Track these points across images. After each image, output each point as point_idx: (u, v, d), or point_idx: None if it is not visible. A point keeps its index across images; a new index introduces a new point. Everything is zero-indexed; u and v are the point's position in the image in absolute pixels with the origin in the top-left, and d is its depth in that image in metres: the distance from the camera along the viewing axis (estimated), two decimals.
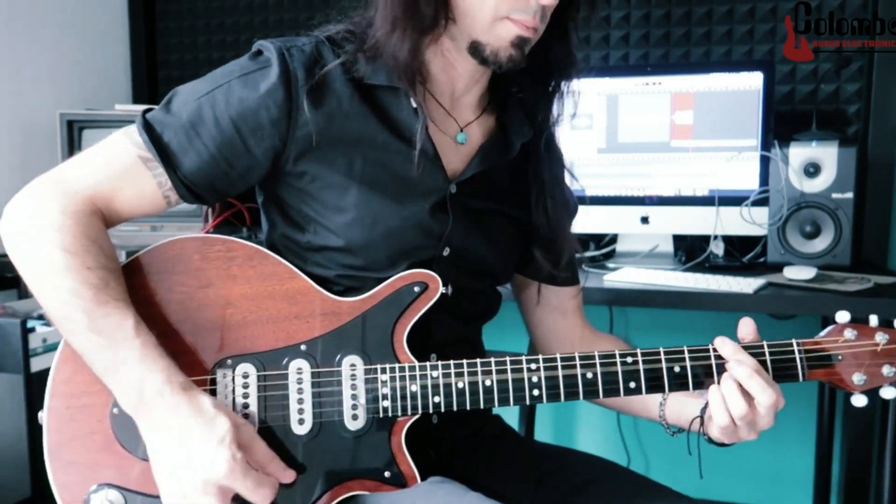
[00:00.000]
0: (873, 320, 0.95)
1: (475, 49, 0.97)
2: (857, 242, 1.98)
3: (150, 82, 2.73)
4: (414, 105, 0.99)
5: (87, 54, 2.53)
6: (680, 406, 1.02)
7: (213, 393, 0.94)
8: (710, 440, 0.98)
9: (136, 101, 2.71)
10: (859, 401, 0.93)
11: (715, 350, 0.93)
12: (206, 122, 0.95)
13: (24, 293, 2.04)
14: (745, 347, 0.92)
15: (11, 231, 0.93)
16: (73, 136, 2.14)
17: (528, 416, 2.30)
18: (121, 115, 2.17)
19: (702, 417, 0.97)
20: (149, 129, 0.95)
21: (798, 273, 1.73)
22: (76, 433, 0.94)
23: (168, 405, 0.86)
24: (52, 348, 1.72)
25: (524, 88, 1.08)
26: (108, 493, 0.92)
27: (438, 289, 0.96)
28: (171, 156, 0.95)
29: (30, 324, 1.65)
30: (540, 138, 1.10)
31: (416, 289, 0.96)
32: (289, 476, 0.91)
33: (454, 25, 0.98)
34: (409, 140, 0.98)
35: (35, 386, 1.77)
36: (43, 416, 0.95)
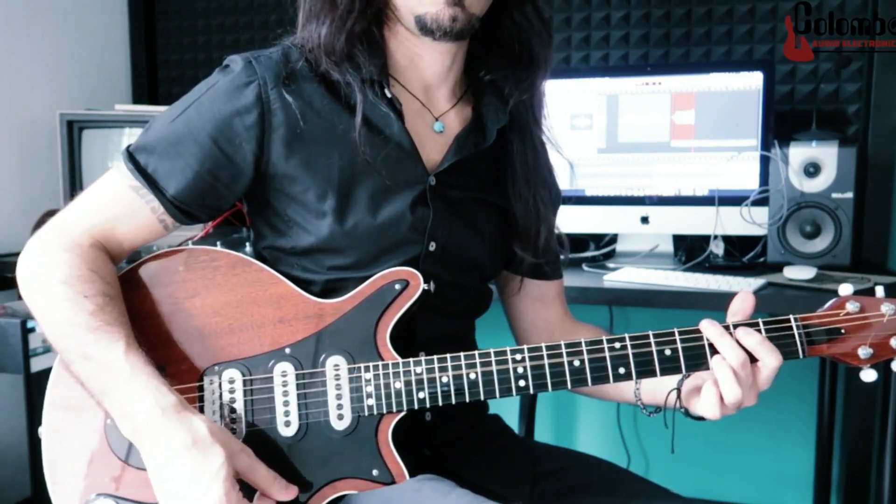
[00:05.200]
0: (879, 291, 0.91)
1: (421, 25, 0.97)
2: (857, 242, 1.98)
3: (150, 82, 2.73)
4: (389, 95, 1.00)
5: (87, 54, 2.53)
6: (655, 383, 0.99)
7: (200, 399, 0.95)
8: (688, 414, 0.96)
9: (136, 101, 2.71)
10: (868, 376, 0.89)
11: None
12: (185, 141, 0.97)
13: None
14: (741, 324, 0.90)
15: (25, 278, 0.97)
16: (73, 136, 2.14)
17: (527, 415, 2.31)
18: (121, 116, 2.18)
19: (679, 390, 0.95)
20: (133, 160, 0.98)
21: (798, 273, 1.73)
22: (72, 445, 0.96)
23: (160, 432, 0.86)
24: (52, 348, 1.72)
25: (494, 71, 1.07)
26: (104, 502, 0.93)
27: (419, 285, 0.96)
28: (157, 181, 0.98)
29: (30, 324, 1.65)
30: (513, 122, 1.09)
31: (397, 286, 0.96)
32: (291, 493, 0.91)
33: (395, 11, 1.00)
34: (384, 134, 0.99)
35: (35, 386, 1.77)
36: (42, 431, 0.97)
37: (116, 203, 0.98)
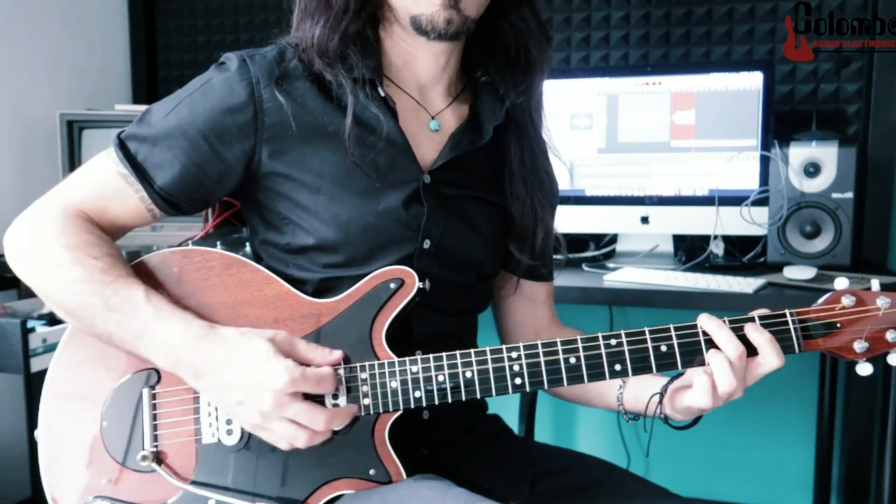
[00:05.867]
0: (875, 285, 0.91)
1: (416, 25, 0.97)
2: (857, 242, 1.98)
3: (150, 82, 2.73)
4: (382, 94, 1.00)
5: (87, 54, 2.53)
6: (638, 389, 1.00)
7: (196, 401, 0.96)
8: (667, 421, 0.97)
9: (136, 101, 2.71)
10: (864, 369, 0.89)
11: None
12: (176, 135, 0.97)
13: (24, 293, 2.04)
14: (736, 320, 0.90)
15: (14, 248, 0.98)
16: (73, 136, 2.14)
17: (527, 415, 2.31)
18: (121, 115, 2.18)
19: (661, 395, 0.96)
20: (124, 148, 0.99)
21: (798, 273, 1.73)
22: (68, 448, 0.97)
23: (202, 351, 0.89)
24: (51, 348, 1.72)
25: (490, 73, 1.07)
26: None
27: (415, 284, 0.96)
28: (146, 171, 0.98)
29: (30, 324, 1.65)
30: (511, 123, 1.09)
31: (392, 285, 0.96)
32: (336, 356, 0.91)
33: (391, 11, 1.00)
34: (375, 134, 0.99)
35: (35, 386, 1.77)
36: (38, 434, 0.98)
37: (107, 188, 0.99)
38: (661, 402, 0.97)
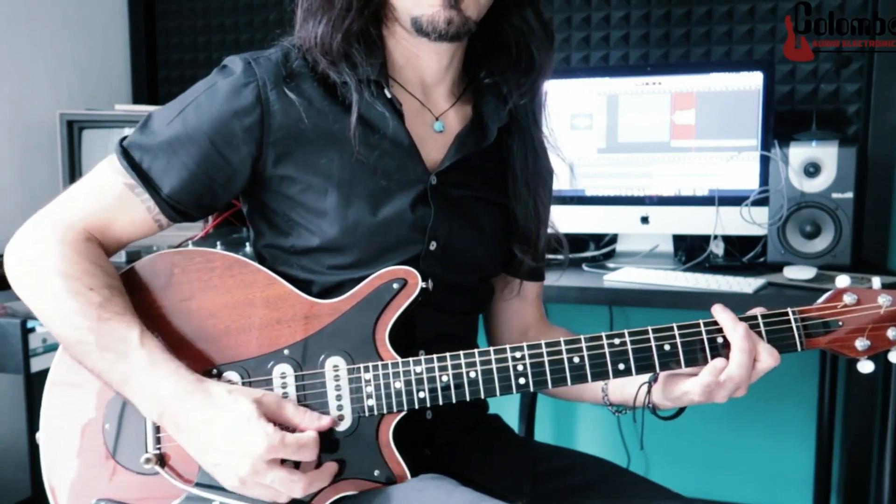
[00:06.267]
0: (876, 283, 0.92)
1: (417, 26, 0.97)
2: (857, 242, 1.98)
3: (150, 82, 2.73)
4: (388, 96, 1.00)
5: (87, 54, 2.53)
6: (623, 381, 1.01)
7: None
8: (655, 411, 0.97)
9: (136, 101, 2.71)
10: (865, 367, 0.90)
11: (706, 325, 0.91)
12: (182, 141, 0.96)
13: None
14: (739, 318, 0.91)
15: (15, 267, 0.96)
16: (73, 136, 2.13)
17: (527, 415, 2.31)
18: (121, 115, 2.17)
19: (650, 384, 0.97)
20: (128, 156, 0.98)
21: (798, 273, 1.73)
22: (71, 451, 0.97)
23: (187, 408, 0.88)
24: (52, 348, 1.72)
25: (493, 73, 1.07)
26: None
27: (418, 284, 0.96)
28: (152, 179, 0.97)
29: (30, 324, 1.65)
30: (513, 124, 1.09)
31: (395, 285, 0.96)
32: (325, 422, 0.91)
33: (393, 11, 1.00)
34: (381, 133, 0.99)
35: (35, 386, 1.77)
36: (40, 437, 0.98)
37: (112, 200, 0.98)
38: (649, 391, 0.97)
